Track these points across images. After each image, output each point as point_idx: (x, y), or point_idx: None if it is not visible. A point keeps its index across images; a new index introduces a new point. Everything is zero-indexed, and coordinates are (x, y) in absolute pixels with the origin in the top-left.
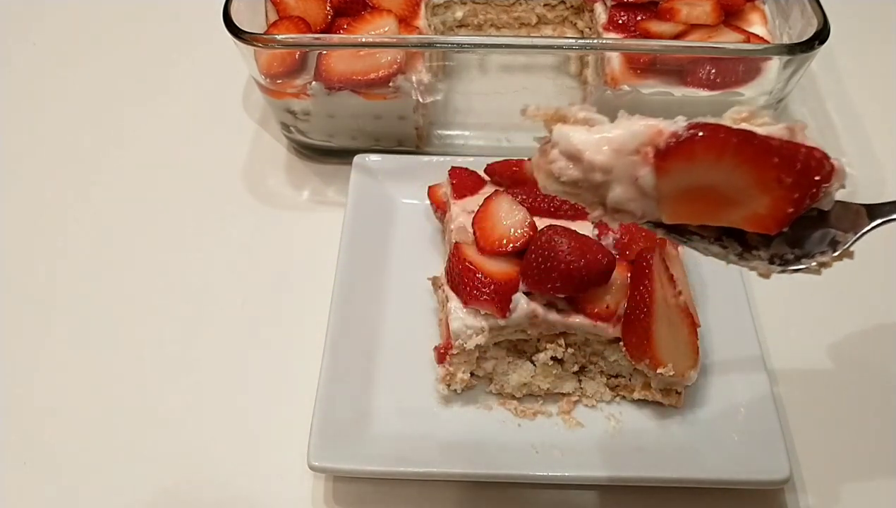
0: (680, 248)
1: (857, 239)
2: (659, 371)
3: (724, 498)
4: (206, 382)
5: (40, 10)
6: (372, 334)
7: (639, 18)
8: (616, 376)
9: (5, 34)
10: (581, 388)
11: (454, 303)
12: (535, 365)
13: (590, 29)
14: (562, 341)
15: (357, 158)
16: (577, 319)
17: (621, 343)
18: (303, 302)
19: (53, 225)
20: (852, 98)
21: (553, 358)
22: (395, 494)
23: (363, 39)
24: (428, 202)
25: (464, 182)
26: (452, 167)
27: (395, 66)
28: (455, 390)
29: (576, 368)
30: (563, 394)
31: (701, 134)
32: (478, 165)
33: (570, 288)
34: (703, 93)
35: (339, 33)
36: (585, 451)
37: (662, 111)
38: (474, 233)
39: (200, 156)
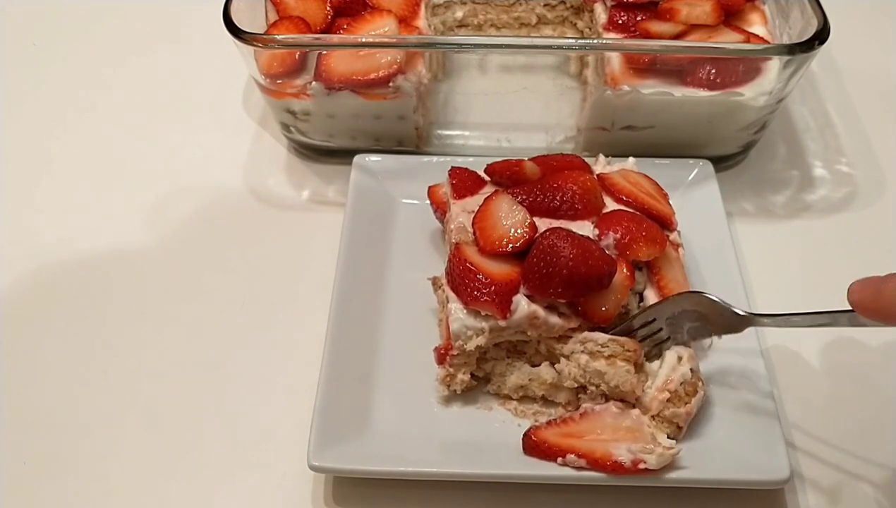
0: (680, 249)
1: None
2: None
3: (724, 498)
4: (205, 382)
5: (40, 11)
6: (372, 334)
7: (639, 18)
8: (619, 399)
9: (5, 34)
10: (578, 400)
11: (454, 304)
12: (533, 368)
13: (590, 29)
14: (559, 347)
15: (357, 158)
16: (577, 322)
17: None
18: (303, 302)
19: (52, 223)
20: (852, 98)
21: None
22: (395, 494)
23: (363, 39)
24: (428, 202)
25: (464, 182)
26: (452, 167)
27: (395, 66)
28: (455, 391)
29: (574, 385)
30: (558, 403)
31: None
32: (478, 165)
33: (572, 293)
34: (703, 93)
35: (339, 33)
36: None
37: (662, 111)
38: (474, 233)
39: (200, 156)
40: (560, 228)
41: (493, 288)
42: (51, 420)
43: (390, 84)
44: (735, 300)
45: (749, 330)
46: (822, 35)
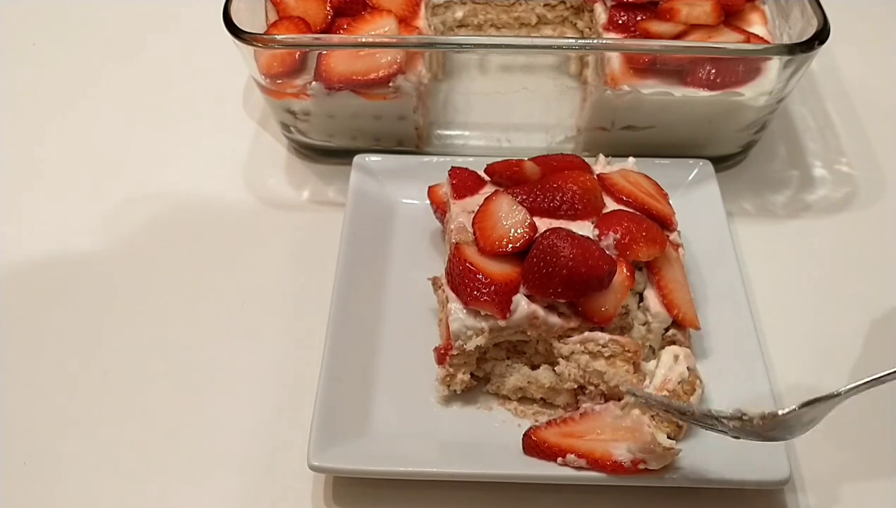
0: (680, 249)
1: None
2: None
3: (724, 498)
4: (205, 382)
5: (40, 11)
6: (372, 334)
7: (639, 18)
8: (618, 399)
9: (5, 35)
10: (577, 402)
11: (454, 304)
12: (532, 370)
13: (590, 29)
14: (559, 347)
15: (357, 158)
16: (577, 322)
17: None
18: (303, 302)
19: (50, 222)
20: (852, 98)
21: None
22: (395, 494)
23: (363, 39)
24: (428, 202)
25: (464, 182)
26: (452, 167)
27: (395, 66)
28: (455, 391)
29: (574, 386)
30: (557, 406)
31: None
32: (478, 165)
33: (572, 293)
34: (703, 93)
35: (339, 33)
36: None
37: (662, 111)
38: (474, 234)
39: (200, 156)
40: (560, 228)
41: (493, 288)
42: (51, 420)
43: (390, 84)
44: (734, 296)
45: (749, 332)
46: (822, 35)
